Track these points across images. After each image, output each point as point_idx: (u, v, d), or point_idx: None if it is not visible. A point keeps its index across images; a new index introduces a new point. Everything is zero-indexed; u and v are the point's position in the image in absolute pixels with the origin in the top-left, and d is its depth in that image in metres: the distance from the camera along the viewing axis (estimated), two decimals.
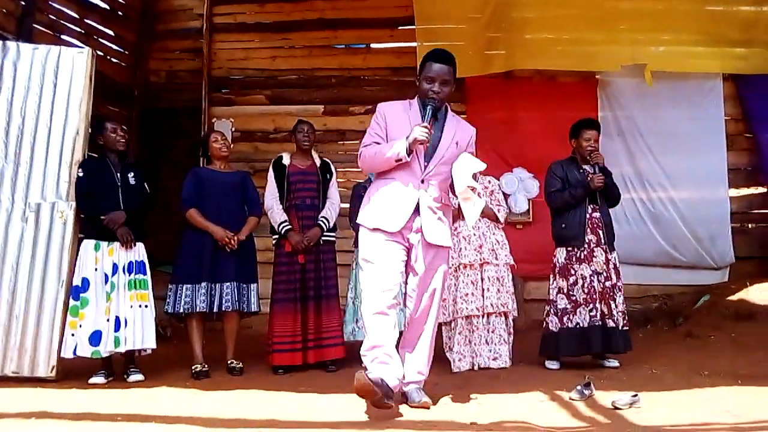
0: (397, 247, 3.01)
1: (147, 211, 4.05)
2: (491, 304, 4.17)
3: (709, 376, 3.62)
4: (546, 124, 5.83)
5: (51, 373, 3.75)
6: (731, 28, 5.68)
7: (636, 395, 3.00)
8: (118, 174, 3.95)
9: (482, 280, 4.20)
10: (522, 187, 5.88)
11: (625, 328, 4.06)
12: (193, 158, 4.72)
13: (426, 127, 2.90)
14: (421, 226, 3.02)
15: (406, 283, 3.13)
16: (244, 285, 4.09)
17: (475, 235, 4.23)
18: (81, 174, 3.88)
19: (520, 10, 5.88)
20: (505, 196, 5.76)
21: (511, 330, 4.29)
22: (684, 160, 5.81)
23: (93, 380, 3.72)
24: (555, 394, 3.21)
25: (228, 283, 4.00)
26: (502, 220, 4.39)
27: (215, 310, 3.99)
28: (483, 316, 4.17)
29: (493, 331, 4.19)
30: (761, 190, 5.95)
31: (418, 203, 3.01)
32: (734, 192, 5.93)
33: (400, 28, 6.35)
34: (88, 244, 3.85)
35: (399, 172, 3.02)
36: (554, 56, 5.86)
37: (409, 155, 2.93)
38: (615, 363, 4.06)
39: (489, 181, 4.41)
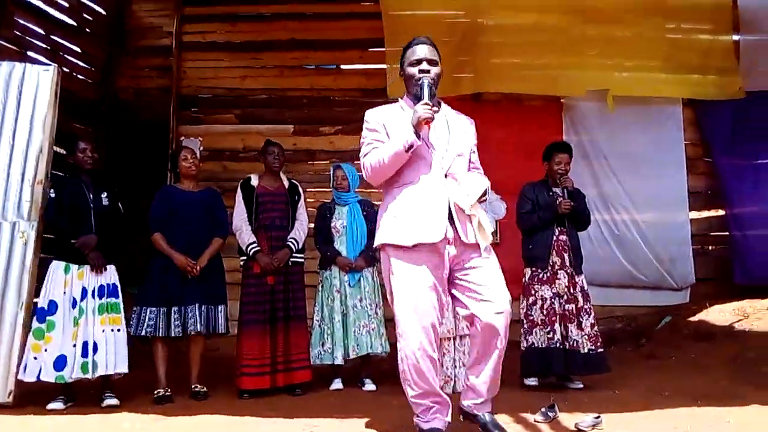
0: (436, 268, 2.65)
1: (120, 232, 3.98)
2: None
3: (669, 396, 3.70)
4: (513, 146, 5.94)
5: (8, 398, 3.63)
6: (689, 56, 5.90)
7: (598, 417, 3.04)
8: (91, 195, 3.88)
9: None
10: (489, 209, 5.94)
11: (592, 350, 4.08)
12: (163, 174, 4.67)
13: (427, 104, 2.61)
14: (457, 229, 2.66)
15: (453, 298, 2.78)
16: (212, 307, 4.04)
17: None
18: (53, 195, 3.81)
19: (488, 35, 6.01)
20: None
21: None
22: (646, 183, 5.97)
23: (51, 406, 3.61)
24: (520, 417, 3.23)
25: (192, 306, 3.96)
26: None
27: (180, 333, 3.93)
28: (455, 339, 4.19)
29: (467, 353, 4.21)
30: (720, 212, 6.13)
31: (449, 202, 2.67)
32: (695, 214, 6.11)
33: (370, 49, 6.44)
34: (57, 266, 3.76)
35: (415, 173, 2.69)
36: (521, 80, 5.99)
37: (419, 138, 2.61)
38: (579, 384, 4.12)
39: None
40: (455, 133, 2.81)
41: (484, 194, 2.73)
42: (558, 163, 4.27)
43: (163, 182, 5.72)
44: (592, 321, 4.16)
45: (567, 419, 3.15)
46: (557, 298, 4.12)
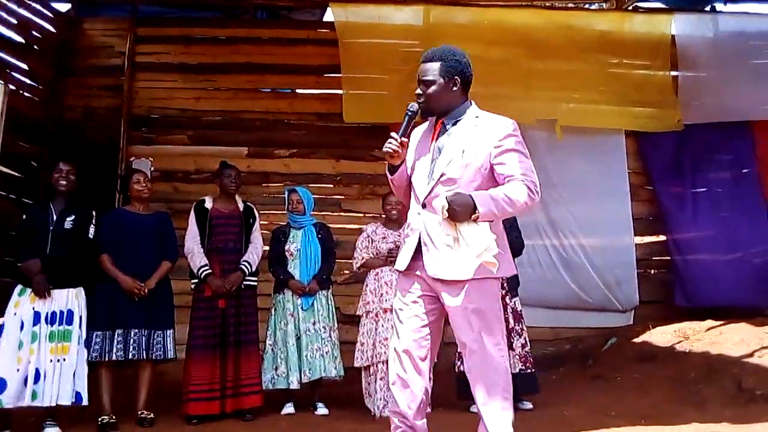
0: (420, 299, 2.55)
1: (81, 256, 3.86)
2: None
3: (615, 417, 3.80)
4: None
5: None
6: (628, 89, 6.17)
7: None
8: (54, 216, 3.80)
9: None
10: None
11: (522, 370, 4.17)
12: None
13: (392, 137, 2.52)
14: (423, 261, 2.50)
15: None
16: (158, 332, 3.95)
17: (396, 280, 4.29)
18: (24, 217, 3.83)
19: None
20: None
21: (431, 375, 4.33)
22: (593, 209, 6.17)
23: None
24: None
25: (136, 330, 3.87)
26: None
27: (122, 357, 3.83)
28: (386, 362, 4.19)
29: None
30: (662, 238, 6.38)
31: (420, 234, 2.52)
32: (638, 239, 6.33)
33: (325, 75, 6.48)
34: (17, 289, 3.72)
35: (411, 199, 2.65)
36: None
37: (393, 173, 2.60)
38: (529, 405, 4.19)
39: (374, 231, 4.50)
40: (449, 155, 2.55)
41: (473, 212, 2.34)
42: None
43: (111, 204, 5.60)
44: (523, 342, 4.26)
45: None
46: None
